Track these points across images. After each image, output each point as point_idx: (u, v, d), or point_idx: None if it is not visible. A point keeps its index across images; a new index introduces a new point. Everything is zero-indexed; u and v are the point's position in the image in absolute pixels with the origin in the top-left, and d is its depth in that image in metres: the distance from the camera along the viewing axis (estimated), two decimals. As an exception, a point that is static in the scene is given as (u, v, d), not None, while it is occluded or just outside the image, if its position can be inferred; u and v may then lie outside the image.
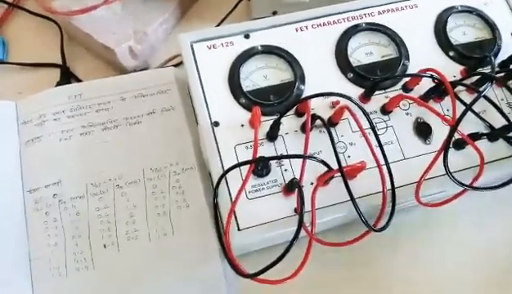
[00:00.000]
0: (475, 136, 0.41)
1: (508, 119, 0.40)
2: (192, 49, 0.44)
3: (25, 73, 0.54)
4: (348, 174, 0.38)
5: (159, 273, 0.42)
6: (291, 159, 0.41)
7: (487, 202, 0.48)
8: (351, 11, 0.47)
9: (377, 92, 0.44)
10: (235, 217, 0.38)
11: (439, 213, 0.44)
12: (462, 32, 0.48)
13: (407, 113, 0.43)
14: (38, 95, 0.49)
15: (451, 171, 0.39)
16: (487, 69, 0.45)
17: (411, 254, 0.46)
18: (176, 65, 0.54)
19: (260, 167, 0.39)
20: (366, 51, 0.46)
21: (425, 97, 0.43)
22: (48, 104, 0.48)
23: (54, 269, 0.42)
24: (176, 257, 0.43)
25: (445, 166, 0.38)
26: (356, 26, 0.46)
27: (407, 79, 0.44)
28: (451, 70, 0.45)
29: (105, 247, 0.43)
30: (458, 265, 0.46)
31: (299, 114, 0.42)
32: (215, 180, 0.39)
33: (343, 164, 0.38)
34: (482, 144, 0.42)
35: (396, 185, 0.38)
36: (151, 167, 0.46)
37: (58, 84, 0.52)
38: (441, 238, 0.46)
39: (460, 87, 0.44)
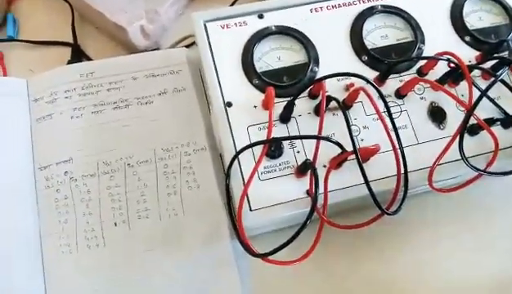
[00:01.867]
0: (490, 122, 0.41)
1: (523, 105, 0.40)
2: (205, 28, 0.44)
3: (36, 51, 0.54)
4: (361, 156, 0.37)
5: (170, 253, 0.42)
6: (304, 141, 0.41)
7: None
8: (367, -8, 0.47)
9: (391, 76, 0.43)
10: (247, 198, 0.38)
11: (451, 201, 0.44)
12: (478, 17, 0.47)
13: (422, 98, 0.43)
14: (49, 73, 0.49)
15: (466, 156, 0.38)
16: (503, 55, 0.44)
17: (421, 241, 0.46)
18: (187, 46, 0.53)
19: (273, 148, 0.39)
20: (382, 33, 0.45)
21: (441, 81, 0.42)
22: (60, 81, 0.48)
23: (64, 246, 0.42)
24: (186, 237, 0.43)
25: (460, 150, 0.38)
26: (371, 8, 0.46)
27: (422, 63, 0.43)
28: (467, 55, 0.45)
29: (116, 225, 0.43)
30: (470, 258, 0.45)
31: (313, 96, 0.42)
32: (227, 161, 0.39)
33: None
34: (496, 130, 0.41)
35: (409, 170, 0.37)
36: (162, 147, 0.46)
37: (69, 62, 0.52)
38: (454, 227, 0.46)
39: (475, 73, 0.43)
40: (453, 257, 0.45)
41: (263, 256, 0.35)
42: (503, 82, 0.39)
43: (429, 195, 0.44)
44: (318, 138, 0.37)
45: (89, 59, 0.53)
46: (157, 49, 0.53)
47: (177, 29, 0.54)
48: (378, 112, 0.36)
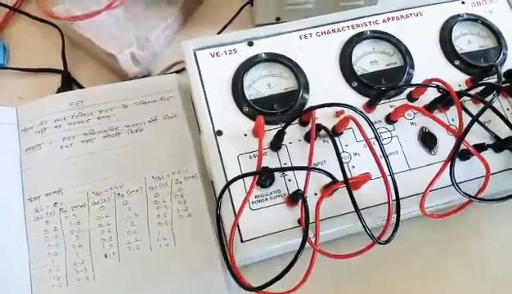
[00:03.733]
0: (481, 147, 0.41)
1: (514, 129, 0.40)
2: (195, 57, 0.44)
3: (26, 78, 0.54)
4: (352, 185, 0.37)
5: (161, 284, 0.42)
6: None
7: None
8: (355, 18, 0.47)
9: (382, 101, 0.43)
10: (239, 229, 0.38)
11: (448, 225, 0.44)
12: (467, 40, 0.47)
13: (412, 123, 0.43)
14: (38, 102, 0.48)
15: (457, 181, 0.38)
16: (492, 78, 0.44)
17: (418, 267, 0.45)
18: (178, 72, 0.53)
19: (264, 177, 0.39)
20: (371, 59, 0.45)
21: (430, 107, 0.42)
22: (49, 110, 0.48)
23: (54, 279, 0.41)
24: (177, 267, 0.42)
25: (451, 178, 0.38)
26: (360, 34, 0.46)
27: (412, 89, 0.43)
28: (457, 79, 0.45)
29: (106, 256, 0.42)
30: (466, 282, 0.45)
31: (303, 123, 0.42)
32: (218, 191, 0.39)
33: (347, 175, 0.37)
34: (488, 154, 0.41)
35: (401, 196, 0.37)
36: (153, 175, 0.46)
37: (59, 90, 0.51)
38: (448, 250, 0.46)
39: (465, 97, 0.43)
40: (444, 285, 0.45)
41: (256, 290, 0.35)
42: (493, 108, 0.39)
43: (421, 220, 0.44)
44: (307, 169, 0.37)
45: (80, 86, 0.53)
46: (148, 75, 0.53)
47: (168, 55, 0.55)
48: (367, 141, 0.36)
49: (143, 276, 0.42)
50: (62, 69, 0.53)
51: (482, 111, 0.38)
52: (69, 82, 0.53)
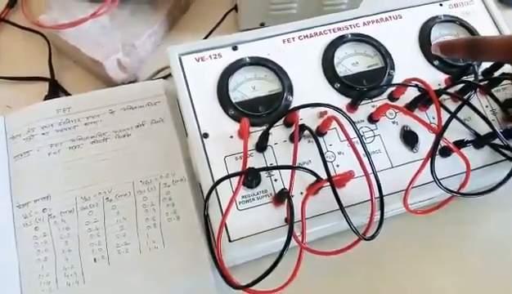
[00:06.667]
0: (461, 144, 0.42)
1: (492, 126, 0.41)
2: (181, 61, 0.45)
3: (13, 86, 0.54)
4: (336, 183, 0.38)
5: (151, 287, 0.42)
6: (281, 169, 0.41)
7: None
8: (337, 22, 0.48)
9: (364, 101, 0.44)
10: (226, 229, 0.38)
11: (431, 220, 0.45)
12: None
13: (394, 122, 0.44)
14: (26, 109, 0.49)
15: (439, 178, 0.39)
16: (471, 77, 0.45)
17: (404, 264, 0.46)
18: (165, 77, 0.54)
19: (250, 178, 0.39)
20: (353, 61, 0.46)
21: (411, 106, 0.44)
22: (37, 118, 0.48)
23: (44, 284, 0.42)
24: (167, 270, 0.43)
25: (432, 173, 0.39)
26: (342, 37, 0.47)
27: (393, 89, 0.44)
28: (436, 79, 0.46)
29: (95, 260, 0.43)
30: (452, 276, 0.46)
31: (288, 125, 0.43)
32: (205, 192, 0.39)
33: (332, 173, 0.38)
34: (468, 151, 0.43)
35: (384, 193, 0.38)
36: (141, 179, 0.46)
37: (46, 98, 0.52)
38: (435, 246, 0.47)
39: (444, 96, 0.45)
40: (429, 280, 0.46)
41: (243, 288, 0.35)
42: (470, 105, 0.40)
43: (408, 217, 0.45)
44: (292, 168, 0.38)
45: (67, 93, 0.53)
46: (135, 81, 0.54)
47: (155, 61, 0.55)
48: (349, 140, 0.37)
49: (133, 279, 0.42)
50: (49, 76, 0.54)
51: (459, 107, 0.40)
52: (56, 90, 0.53)
